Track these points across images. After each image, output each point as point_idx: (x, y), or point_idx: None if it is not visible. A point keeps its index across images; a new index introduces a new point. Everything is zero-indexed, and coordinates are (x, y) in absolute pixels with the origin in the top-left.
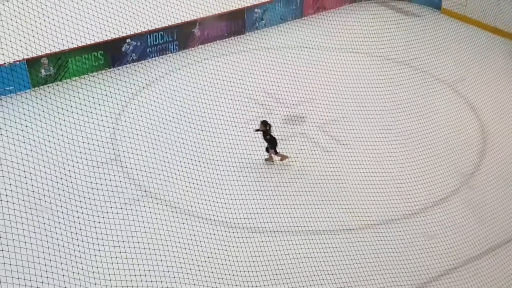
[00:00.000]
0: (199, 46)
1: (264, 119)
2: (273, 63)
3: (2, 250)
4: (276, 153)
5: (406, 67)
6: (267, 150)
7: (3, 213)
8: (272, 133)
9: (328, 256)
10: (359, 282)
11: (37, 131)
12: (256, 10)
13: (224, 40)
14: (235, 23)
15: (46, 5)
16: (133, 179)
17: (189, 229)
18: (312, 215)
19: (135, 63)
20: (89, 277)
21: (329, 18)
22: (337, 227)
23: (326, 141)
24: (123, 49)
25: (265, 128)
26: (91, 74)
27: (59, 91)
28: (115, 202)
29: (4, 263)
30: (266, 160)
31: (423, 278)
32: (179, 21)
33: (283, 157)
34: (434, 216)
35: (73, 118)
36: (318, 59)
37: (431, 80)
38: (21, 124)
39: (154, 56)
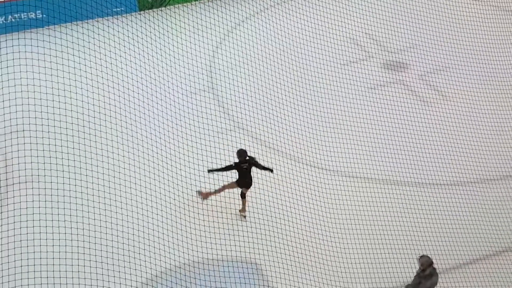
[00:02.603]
0: None
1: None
2: (378, 3)
3: (115, 176)
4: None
5: None
6: (243, 196)
7: (115, 123)
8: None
9: (427, 208)
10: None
11: (142, 51)
12: None
13: None
14: None
15: None
16: (227, 108)
17: (276, 165)
18: (405, 167)
19: None
20: (182, 197)
21: None
22: (431, 181)
23: (426, 91)
24: None
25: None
26: (194, 3)
27: (166, 13)
28: (208, 130)
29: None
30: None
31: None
32: None
33: (208, 194)
34: None
35: (176, 42)
36: (429, 2)
37: None
38: (128, 43)
39: None
